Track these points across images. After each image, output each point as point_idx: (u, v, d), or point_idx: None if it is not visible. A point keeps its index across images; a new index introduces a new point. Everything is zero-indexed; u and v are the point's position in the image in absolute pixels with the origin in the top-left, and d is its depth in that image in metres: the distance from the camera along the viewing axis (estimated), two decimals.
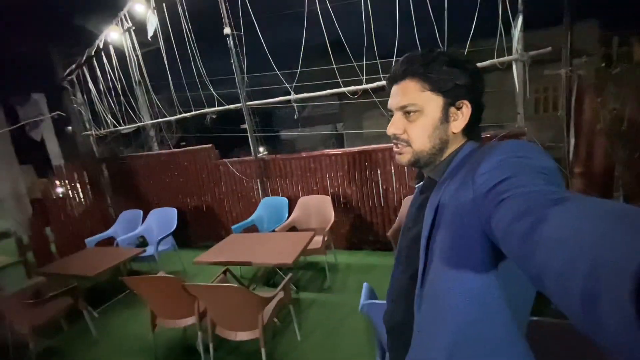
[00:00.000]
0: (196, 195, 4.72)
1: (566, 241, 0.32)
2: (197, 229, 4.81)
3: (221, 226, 4.65)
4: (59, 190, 4.71)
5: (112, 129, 4.92)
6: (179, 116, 4.40)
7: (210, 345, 2.19)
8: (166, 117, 4.67)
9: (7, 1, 5.64)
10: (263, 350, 2.07)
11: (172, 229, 3.86)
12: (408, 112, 0.69)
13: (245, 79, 3.92)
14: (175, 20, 3.85)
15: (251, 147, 4.09)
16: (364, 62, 3.36)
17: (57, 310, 2.64)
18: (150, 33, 3.86)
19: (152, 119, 4.99)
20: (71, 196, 4.73)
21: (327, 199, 3.68)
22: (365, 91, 3.52)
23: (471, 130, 0.71)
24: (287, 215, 3.77)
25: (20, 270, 4.12)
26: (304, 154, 4.03)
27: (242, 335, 2.11)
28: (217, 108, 4.12)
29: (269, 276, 3.54)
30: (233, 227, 3.59)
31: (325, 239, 3.24)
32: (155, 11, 3.81)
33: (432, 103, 0.68)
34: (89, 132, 5.11)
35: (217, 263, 2.71)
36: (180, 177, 4.74)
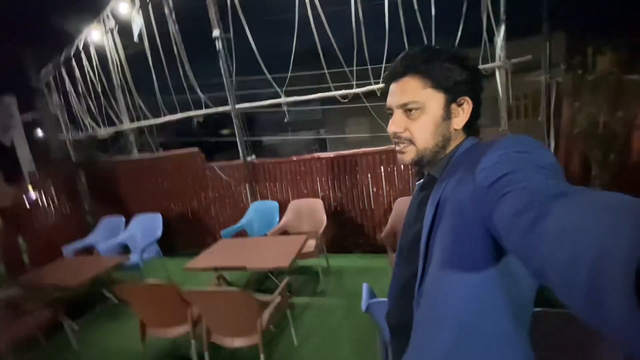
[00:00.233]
0: (181, 201, 4.58)
1: (570, 235, 0.32)
2: (182, 236, 4.66)
3: (208, 232, 4.53)
4: (32, 197, 4.44)
5: (91, 132, 4.70)
6: (164, 119, 4.27)
7: (206, 354, 2.11)
8: (148, 120, 4.52)
9: None
10: (262, 357, 2.01)
11: (158, 236, 3.72)
12: (409, 110, 0.68)
13: (234, 82, 3.88)
14: (161, 21, 3.77)
15: (240, 151, 4.04)
16: (354, 68, 3.41)
17: (35, 323, 2.47)
18: (135, 34, 3.75)
19: (131, 122, 4.82)
20: (45, 203, 4.47)
21: (319, 203, 3.67)
22: (350, 97, 3.57)
23: (471, 126, 0.71)
24: (278, 220, 3.73)
25: None
26: (294, 158, 4.01)
27: (240, 342, 2.05)
28: (204, 111, 4.04)
29: (261, 281, 3.47)
30: (222, 232, 3.50)
31: (318, 242, 3.22)
32: (140, 11, 3.71)
33: (433, 100, 0.67)
34: (66, 136, 4.86)
35: (210, 269, 2.63)
36: (164, 182, 4.59)
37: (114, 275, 3.83)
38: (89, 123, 4.68)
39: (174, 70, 4.03)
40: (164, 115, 4.25)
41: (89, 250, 4.00)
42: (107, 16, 4.00)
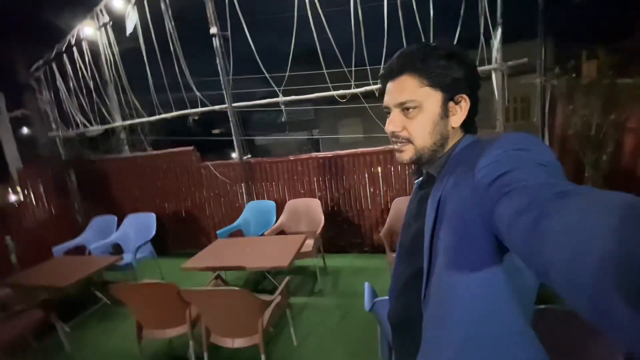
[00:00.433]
0: (175, 200, 4.51)
1: (572, 234, 0.32)
2: (176, 236, 4.59)
3: (202, 232, 4.47)
4: (20, 195, 4.31)
5: (83, 129, 4.60)
6: (158, 117, 4.21)
7: (205, 355, 2.08)
8: (142, 117, 4.45)
9: None
10: (263, 357, 1.99)
11: (151, 236, 3.65)
12: (407, 109, 0.67)
13: (231, 80, 3.84)
14: (157, 17, 3.71)
15: (236, 150, 4.00)
16: (353, 68, 3.42)
17: (26, 325, 2.39)
18: (129, 29, 3.68)
19: (123, 120, 4.73)
20: (34, 202, 4.35)
21: (317, 202, 3.66)
22: (348, 97, 3.57)
23: (468, 123, 0.70)
24: (275, 219, 3.70)
25: None
26: (291, 157, 3.99)
27: (240, 342, 2.02)
28: (200, 109, 3.99)
29: (258, 282, 3.44)
30: (218, 232, 3.46)
31: (317, 242, 3.22)
32: (135, 7, 3.65)
33: (431, 98, 0.66)
34: (56, 133, 4.74)
35: (208, 269, 2.60)
36: (157, 181, 4.52)
37: (106, 276, 3.76)
38: (80, 120, 4.57)
39: (169, 67, 3.97)
40: (159, 113, 4.18)
41: (80, 250, 3.90)
42: (101, 11, 3.93)
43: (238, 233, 3.72)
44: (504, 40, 3.20)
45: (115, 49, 4.05)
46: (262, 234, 3.41)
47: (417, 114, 0.67)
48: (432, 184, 0.68)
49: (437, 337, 0.64)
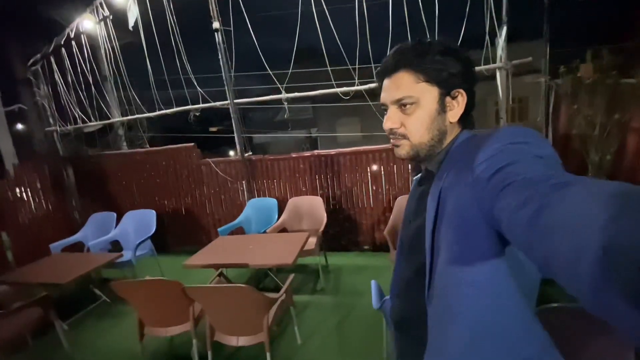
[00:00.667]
0: (175, 197, 4.46)
1: (573, 226, 0.32)
2: (175, 233, 4.54)
3: (202, 230, 4.43)
4: (16, 191, 4.24)
5: (82, 124, 4.53)
6: (158, 113, 4.15)
7: (209, 354, 2.05)
8: (142, 114, 4.39)
9: None
10: (268, 355, 1.97)
11: (151, 232, 3.60)
12: (404, 105, 0.67)
13: (232, 76, 3.80)
14: (158, 12, 3.66)
15: (237, 147, 3.96)
16: (357, 65, 3.40)
17: (24, 323, 2.34)
18: (130, 23, 3.62)
19: (122, 116, 4.67)
20: (30, 198, 4.28)
21: (319, 200, 3.64)
22: (352, 94, 3.55)
23: (466, 118, 0.70)
24: (276, 217, 3.67)
25: None
26: (293, 155, 3.96)
27: (245, 340, 1.99)
28: (201, 105, 3.94)
29: (259, 279, 3.41)
30: (219, 229, 3.42)
31: (320, 240, 3.19)
32: (136, 1, 3.60)
33: (427, 94, 0.66)
34: (53, 128, 4.67)
35: (210, 266, 2.56)
36: (157, 177, 4.46)
37: (105, 273, 3.71)
38: (79, 115, 4.50)
39: (169, 63, 3.93)
40: (159, 109, 4.12)
41: (78, 247, 3.85)
42: (101, 4, 3.86)
43: (239, 230, 3.68)
44: (507, 39, 3.19)
45: (115, 44, 3.99)
46: (264, 232, 3.37)
47: (414, 110, 0.67)
48: (431, 180, 0.68)
49: (444, 334, 0.63)
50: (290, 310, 2.42)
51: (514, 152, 0.50)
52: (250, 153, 4.10)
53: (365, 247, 3.92)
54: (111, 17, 3.89)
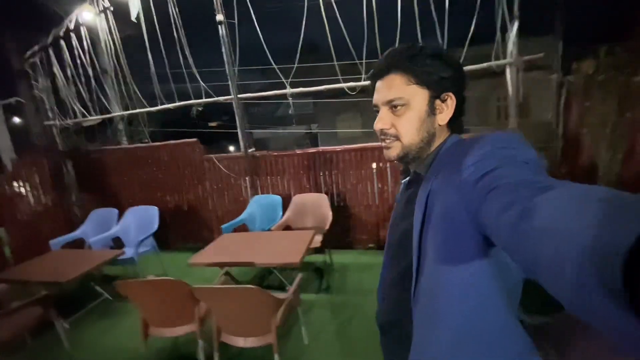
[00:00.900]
0: (177, 193, 4.39)
1: (555, 229, 0.32)
2: (177, 230, 4.48)
3: (205, 226, 4.37)
4: (14, 186, 4.16)
5: (82, 119, 4.43)
6: (160, 107, 4.07)
7: (216, 355, 2.00)
8: (143, 108, 4.30)
9: None
10: (276, 356, 1.92)
11: (154, 229, 3.54)
12: (395, 107, 0.69)
13: (236, 71, 3.72)
14: (160, 4, 3.56)
15: (241, 143, 3.89)
16: (364, 60, 3.32)
17: (24, 322, 2.28)
18: (133, 15, 3.53)
19: (122, 110, 4.57)
20: (29, 193, 4.20)
21: (324, 198, 3.58)
22: (352, 91, 3.48)
23: (455, 122, 0.72)
24: (281, 214, 3.62)
25: None
26: (297, 151, 3.90)
27: (253, 341, 1.94)
28: (204, 100, 3.87)
29: (264, 277, 3.36)
30: (223, 226, 3.36)
31: (325, 238, 3.14)
32: None
33: (418, 96, 0.68)
34: (52, 122, 4.57)
35: (215, 264, 2.51)
36: (159, 173, 4.39)
37: (106, 270, 3.65)
38: (78, 109, 4.41)
39: (171, 56, 3.84)
40: (161, 103, 4.04)
41: (78, 243, 3.78)
42: None
43: (242, 228, 3.62)
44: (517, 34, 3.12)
45: (116, 36, 3.89)
46: (269, 229, 3.32)
47: (404, 111, 0.68)
48: (420, 183, 0.69)
49: (429, 334, 0.64)
50: (296, 309, 2.37)
51: (501, 157, 0.52)
52: (253, 149, 4.04)
53: (370, 245, 3.88)
54: (112, 8, 3.79)
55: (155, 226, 3.58)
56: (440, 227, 0.60)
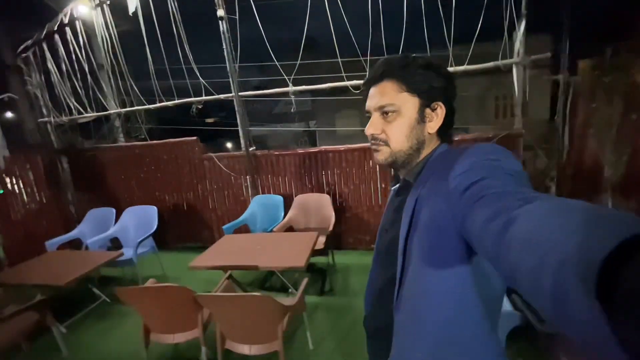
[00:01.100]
0: (176, 192, 4.31)
1: (536, 240, 0.33)
2: (177, 230, 4.40)
3: (205, 226, 4.30)
4: (7, 183, 4.04)
5: (78, 115, 4.32)
6: (159, 104, 3.98)
7: None
8: (141, 104, 4.20)
9: None
10: None
11: (153, 230, 3.47)
12: (386, 113, 0.71)
13: (237, 67, 3.64)
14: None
15: (242, 142, 3.81)
16: (368, 57, 3.26)
17: (19, 327, 2.21)
18: (131, 9, 3.42)
19: (118, 107, 4.46)
20: (23, 191, 4.09)
21: (327, 198, 3.53)
22: (355, 89, 3.42)
23: (444, 132, 0.74)
24: (283, 215, 3.56)
25: None
26: (300, 150, 3.83)
27: (258, 349, 1.89)
28: (204, 97, 3.78)
29: (265, 278, 3.31)
30: (224, 227, 3.30)
31: (329, 239, 3.09)
32: None
33: (408, 103, 0.70)
34: (47, 119, 4.45)
35: (218, 267, 2.44)
36: (157, 172, 4.30)
37: (104, 271, 3.58)
38: (74, 105, 4.29)
39: (169, 52, 3.74)
40: (160, 100, 3.94)
41: (75, 244, 3.70)
42: None
43: (244, 228, 3.56)
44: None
45: (113, 30, 3.78)
46: (271, 230, 3.26)
47: (395, 117, 0.70)
48: (409, 190, 0.70)
49: (409, 340, 0.66)
50: (302, 314, 2.32)
51: (488, 168, 0.53)
52: (254, 148, 3.96)
53: (373, 245, 3.83)
54: (108, 2, 3.68)
55: (155, 227, 3.50)
56: (426, 234, 0.61)
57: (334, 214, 3.37)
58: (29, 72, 4.29)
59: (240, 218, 3.52)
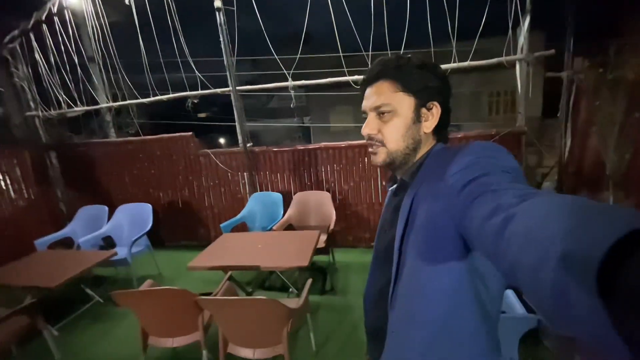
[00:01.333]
0: (171, 189, 4.20)
1: (535, 236, 0.32)
2: (172, 228, 4.30)
3: (201, 224, 4.21)
4: None
5: (67, 109, 4.16)
6: (152, 99, 3.85)
7: None
8: (133, 99, 4.05)
9: None
10: None
11: (148, 228, 3.36)
12: (382, 113, 0.70)
13: (234, 61, 3.53)
14: None
15: (239, 138, 3.72)
16: (370, 52, 3.19)
17: (9, 331, 2.11)
18: None
19: (109, 101, 4.31)
20: (10, 187, 3.93)
21: (327, 195, 3.47)
22: (357, 84, 3.35)
23: (440, 132, 0.74)
24: (282, 212, 3.48)
25: None
26: (299, 147, 3.75)
27: (262, 353, 1.83)
28: (200, 92, 3.66)
29: (265, 278, 3.24)
30: (222, 225, 3.21)
31: (329, 238, 3.04)
32: None
33: (404, 103, 0.70)
34: (35, 113, 4.28)
35: (217, 268, 2.37)
36: (151, 168, 4.18)
37: (97, 271, 3.46)
38: (63, 99, 4.13)
39: (163, 44, 3.61)
40: (154, 94, 3.81)
41: (66, 243, 3.57)
42: None
43: (242, 226, 3.48)
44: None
45: (104, 21, 3.63)
46: (271, 229, 3.18)
47: (391, 117, 0.70)
48: (406, 190, 0.70)
49: (404, 338, 0.66)
50: (307, 316, 2.27)
51: (485, 165, 0.53)
52: (251, 144, 3.87)
53: (373, 243, 3.79)
54: None
55: (149, 225, 3.40)
56: (423, 232, 0.61)
57: (334, 211, 3.31)
58: (15, 63, 4.10)
59: (239, 216, 3.44)
